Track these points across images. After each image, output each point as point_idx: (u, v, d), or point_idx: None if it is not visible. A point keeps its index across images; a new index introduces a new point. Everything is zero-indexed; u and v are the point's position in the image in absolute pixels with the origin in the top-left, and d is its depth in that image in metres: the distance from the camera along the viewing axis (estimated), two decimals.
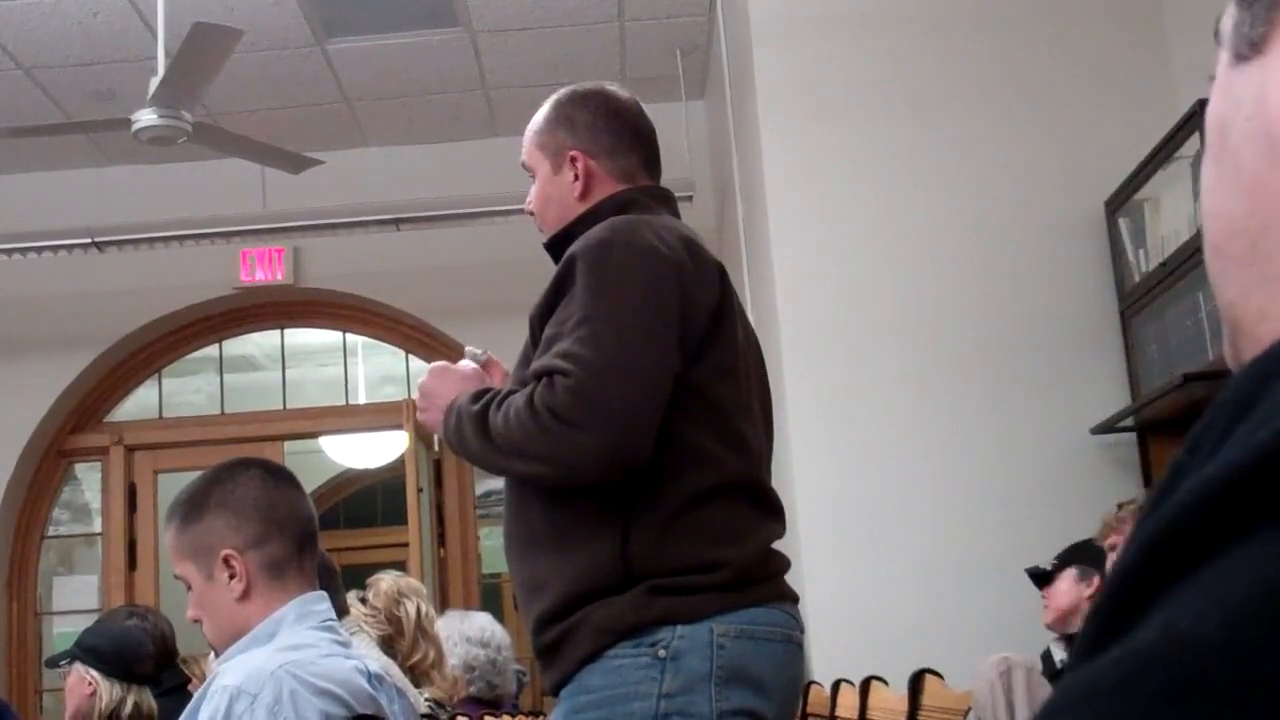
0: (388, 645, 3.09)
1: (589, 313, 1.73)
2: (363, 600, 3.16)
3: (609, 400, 1.68)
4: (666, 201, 2.01)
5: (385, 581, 3.22)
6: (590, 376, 1.68)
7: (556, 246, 1.95)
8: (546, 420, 1.68)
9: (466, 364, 1.95)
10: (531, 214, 2.06)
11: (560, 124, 2.00)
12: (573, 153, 1.98)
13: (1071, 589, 3.27)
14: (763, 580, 1.80)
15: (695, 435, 1.77)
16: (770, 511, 1.87)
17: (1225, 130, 0.56)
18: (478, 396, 1.83)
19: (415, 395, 1.95)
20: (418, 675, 3.13)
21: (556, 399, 1.68)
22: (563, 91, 2.05)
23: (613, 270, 1.77)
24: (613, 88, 2.07)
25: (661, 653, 1.69)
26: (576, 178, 1.98)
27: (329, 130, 6.08)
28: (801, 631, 1.86)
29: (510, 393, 1.79)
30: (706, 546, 1.75)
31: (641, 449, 1.70)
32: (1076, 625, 3.31)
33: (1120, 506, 2.84)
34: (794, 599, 1.86)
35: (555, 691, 1.80)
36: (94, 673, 3.14)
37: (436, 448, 6.52)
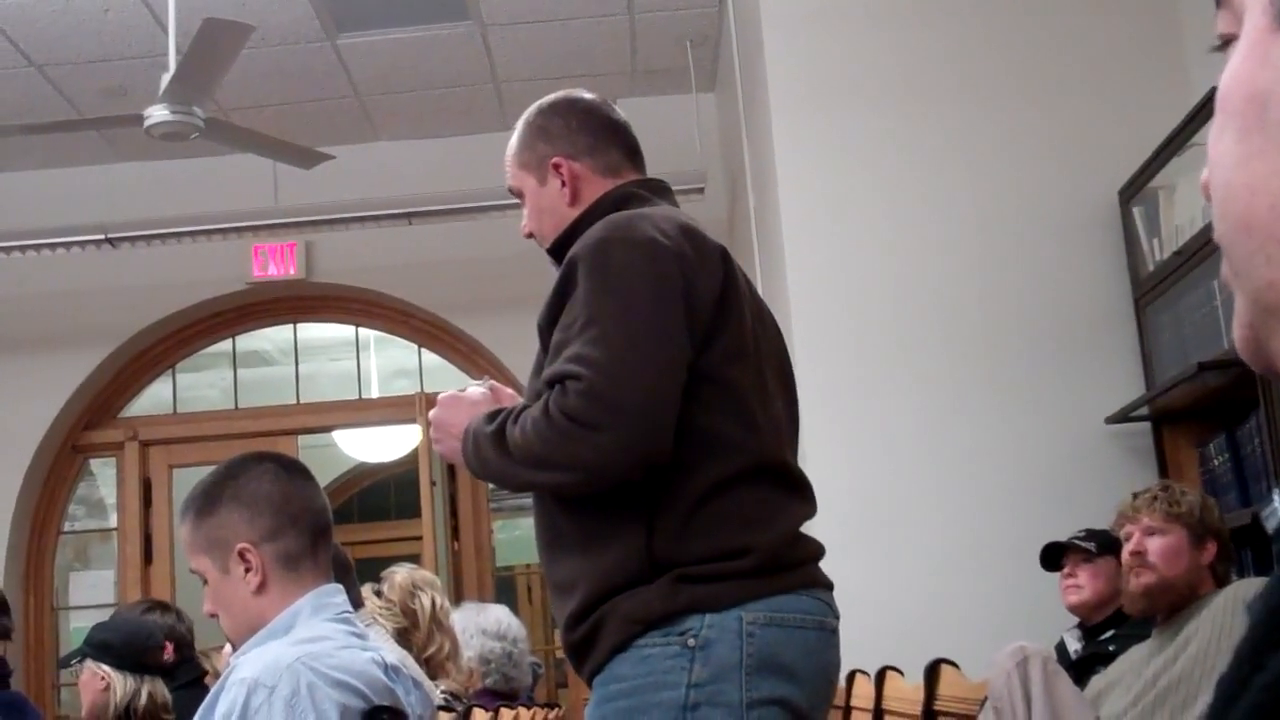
0: (403, 638, 3.10)
1: (594, 313, 1.73)
2: (377, 593, 3.17)
3: (624, 398, 1.67)
4: (663, 192, 2.00)
5: (400, 574, 3.23)
6: (602, 377, 1.67)
7: (559, 251, 1.94)
8: (563, 425, 1.67)
9: (474, 390, 1.94)
10: (530, 236, 2.05)
11: (536, 136, 2.00)
12: (554, 160, 1.97)
13: (1115, 576, 3.22)
14: (792, 567, 1.79)
15: (711, 422, 1.76)
16: (796, 491, 1.86)
17: (1266, 99, 0.53)
18: (492, 417, 1.82)
19: (430, 430, 1.93)
20: (433, 667, 3.14)
21: (571, 403, 1.68)
22: (529, 109, 2.05)
23: (614, 267, 1.76)
24: (578, 91, 2.08)
25: (691, 642, 1.69)
26: (564, 184, 1.97)
27: (340, 125, 6.08)
28: (837, 618, 1.84)
29: (525, 407, 1.78)
30: (732, 534, 1.74)
31: (662, 444, 1.70)
32: (1101, 616, 3.29)
33: (1135, 496, 2.82)
34: (828, 585, 1.84)
35: (590, 681, 1.81)
36: (105, 667, 3.16)
37: None
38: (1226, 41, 0.57)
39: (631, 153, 2.03)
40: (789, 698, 1.72)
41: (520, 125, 2.04)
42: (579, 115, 2.01)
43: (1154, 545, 2.68)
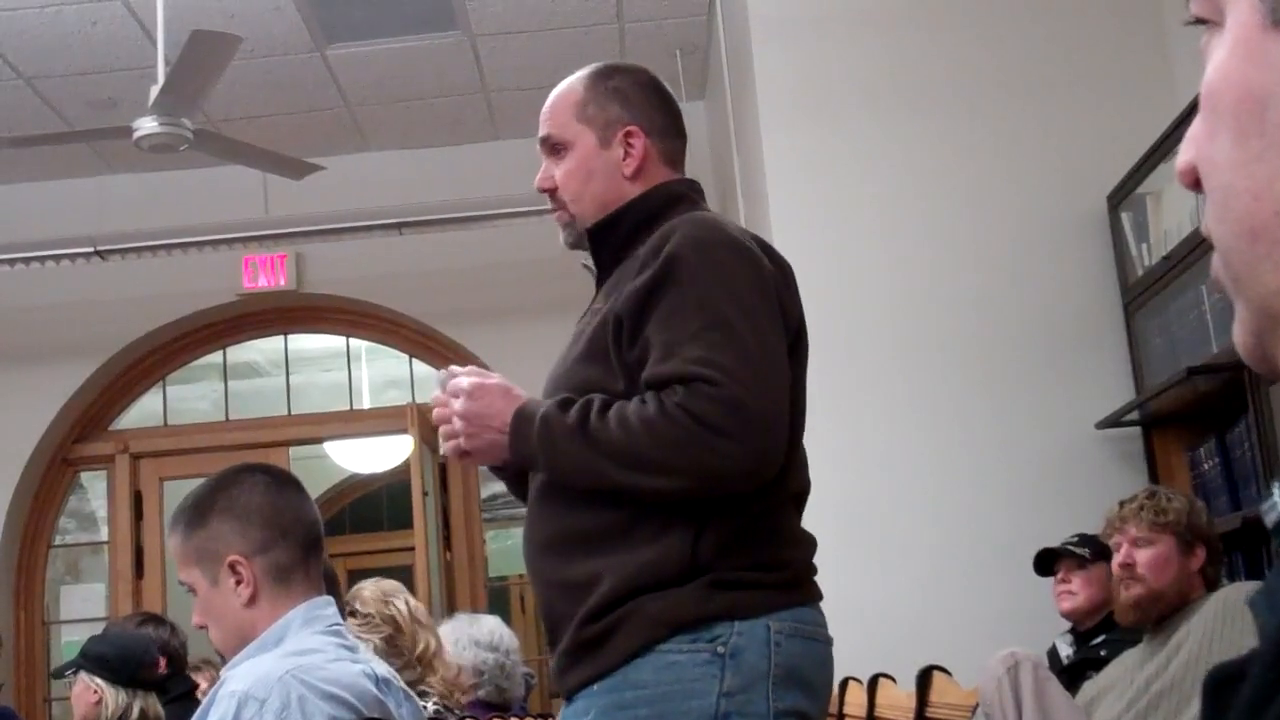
0: (392, 644, 3.11)
1: (717, 317, 1.63)
2: (351, 614, 3.15)
3: (761, 410, 1.60)
4: (704, 196, 1.91)
5: (367, 589, 3.24)
6: (741, 386, 1.59)
7: (603, 230, 1.83)
8: (693, 429, 1.57)
9: (492, 375, 1.78)
10: (550, 190, 1.87)
11: (612, 97, 1.85)
12: (630, 128, 1.83)
13: (1108, 583, 3.22)
14: (808, 581, 1.76)
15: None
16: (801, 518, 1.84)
17: (1264, 102, 0.51)
18: (564, 405, 1.67)
19: (458, 425, 1.75)
20: (424, 665, 3.15)
21: (705, 408, 1.58)
22: (600, 65, 1.91)
23: (726, 273, 1.67)
24: (648, 68, 1.96)
25: (720, 649, 1.61)
26: (628, 155, 1.83)
27: (330, 135, 6.08)
28: None
29: (608, 401, 1.65)
30: (775, 548, 1.69)
31: (780, 461, 1.64)
32: (1093, 621, 3.29)
33: (1121, 505, 2.80)
34: (823, 598, 1.82)
35: (581, 687, 1.67)
36: (99, 680, 3.15)
37: (442, 451, 6.51)
38: (1199, 21, 0.56)
39: (684, 150, 1.92)
40: (808, 711, 1.67)
41: (588, 78, 1.88)
42: (657, 93, 1.89)
43: (1142, 557, 2.67)
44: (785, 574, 1.69)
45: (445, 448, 1.81)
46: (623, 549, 1.66)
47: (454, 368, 1.83)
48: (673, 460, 1.59)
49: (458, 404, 1.75)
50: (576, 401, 1.67)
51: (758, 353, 1.63)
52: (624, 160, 1.83)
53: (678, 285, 1.66)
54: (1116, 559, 2.72)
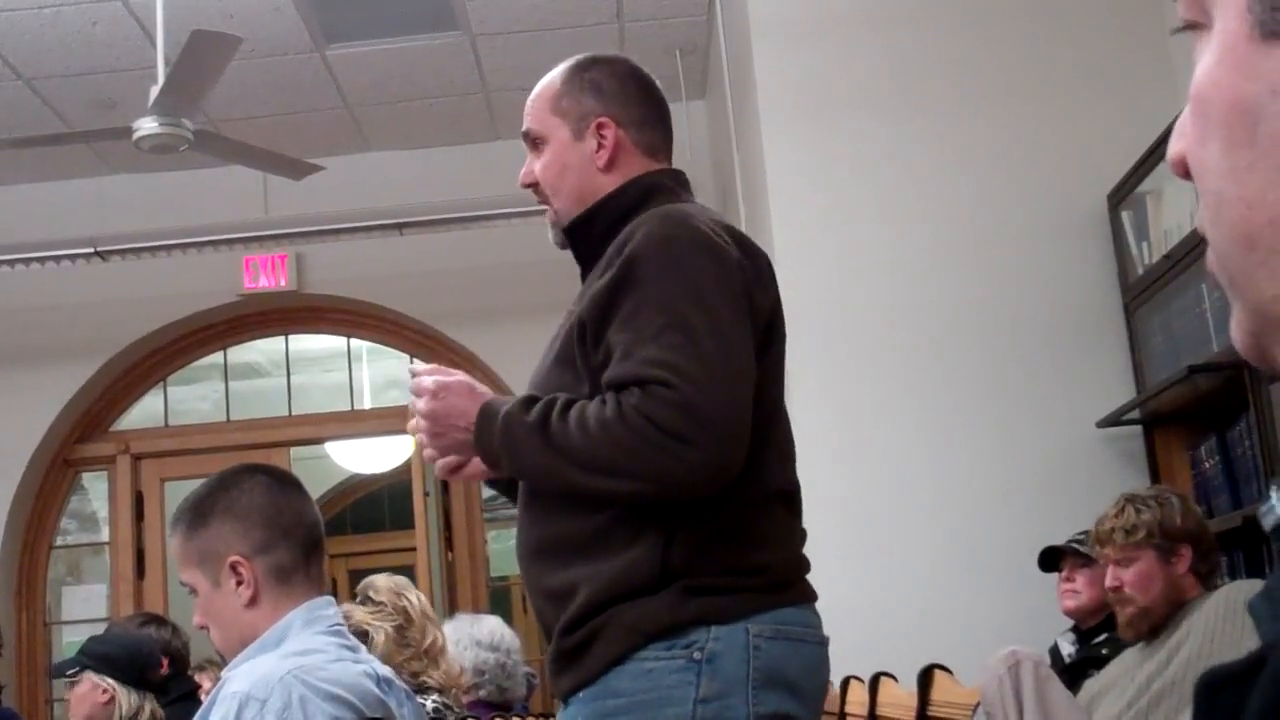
0: (401, 635, 3.15)
1: (676, 318, 1.61)
2: (363, 601, 3.22)
3: (717, 413, 1.57)
4: (687, 186, 1.88)
5: (380, 580, 3.30)
6: (696, 389, 1.56)
7: (579, 226, 1.82)
8: (649, 434, 1.55)
9: (457, 373, 1.79)
10: (531, 185, 1.88)
11: (586, 88, 1.84)
12: (601, 119, 1.82)
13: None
14: (795, 582, 1.73)
15: (752, 442, 1.65)
16: (798, 515, 1.81)
17: (1255, 113, 0.51)
18: (527, 404, 1.66)
19: (425, 424, 1.75)
20: (431, 658, 3.20)
21: (661, 412, 1.56)
22: (580, 56, 1.89)
23: (687, 270, 1.64)
24: (631, 59, 1.95)
25: (697, 655, 1.61)
26: (600, 147, 1.82)
27: (330, 136, 6.08)
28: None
29: (570, 401, 1.64)
30: (751, 551, 1.67)
31: (741, 462, 1.61)
32: (1096, 619, 3.29)
33: (1097, 525, 2.75)
34: (816, 598, 1.79)
35: (570, 693, 1.69)
36: (110, 680, 3.15)
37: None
38: (1189, 26, 0.56)
39: (668, 140, 1.91)
40: (792, 713, 1.65)
41: (566, 70, 1.87)
42: (636, 83, 1.88)
43: (1126, 577, 2.65)
44: (764, 577, 1.67)
45: (424, 455, 1.81)
46: (597, 558, 1.66)
47: (417, 364, 1.83)
48: (629, 464, 1.58)
49: (421, 404, 1.75)
50: (540, 400, 1.66)
51: (716, 354, 1.60)
52: (596, 152, 1.82)
53: (638, 285, 1.64)
54: (1106, 583, 2.71)
